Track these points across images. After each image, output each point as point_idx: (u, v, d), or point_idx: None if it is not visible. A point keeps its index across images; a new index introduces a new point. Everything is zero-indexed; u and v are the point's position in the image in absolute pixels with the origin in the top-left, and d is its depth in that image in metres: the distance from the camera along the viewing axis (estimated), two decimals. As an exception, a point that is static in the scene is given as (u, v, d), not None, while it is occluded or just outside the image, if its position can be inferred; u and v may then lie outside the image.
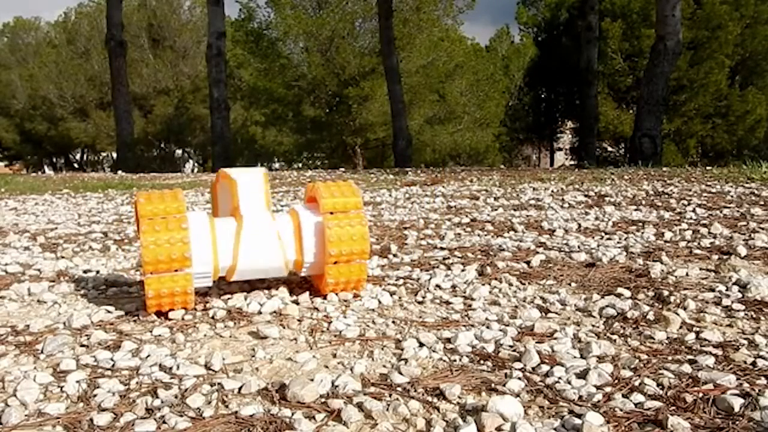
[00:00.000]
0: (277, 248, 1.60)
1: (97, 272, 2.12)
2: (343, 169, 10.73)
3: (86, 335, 1.42)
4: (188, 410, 1.02)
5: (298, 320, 1.52)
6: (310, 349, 1.31)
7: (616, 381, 1.09)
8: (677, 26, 8.18)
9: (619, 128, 16.95)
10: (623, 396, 1.03)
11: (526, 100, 22.19)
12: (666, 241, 2.37)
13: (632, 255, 2.14)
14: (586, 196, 4.03)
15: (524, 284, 1.80)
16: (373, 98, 16.68)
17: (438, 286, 1.80)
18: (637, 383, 1.07)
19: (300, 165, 20.91)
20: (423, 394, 1.06)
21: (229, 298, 1.69)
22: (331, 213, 1.62)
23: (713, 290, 1.65)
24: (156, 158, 21.99)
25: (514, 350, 1.26)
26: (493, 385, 1.09)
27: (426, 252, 2.35)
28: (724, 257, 2.02)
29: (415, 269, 2.04)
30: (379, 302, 1.65)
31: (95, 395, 1.08)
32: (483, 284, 1.79)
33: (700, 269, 1.90)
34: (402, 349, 1.28)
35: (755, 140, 17.18)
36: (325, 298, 1.69)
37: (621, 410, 0.98)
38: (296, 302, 1.66)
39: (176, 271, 1.47)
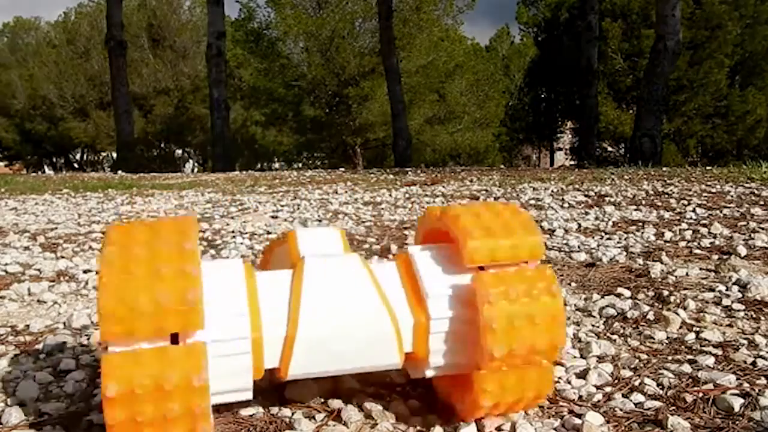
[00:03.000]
0: (381, 312, 0.84)
1: (97, 272, 2.12)
2: (343, 169, 10.73)
3: (86, 335, 1.42)
4: (188, 410, 1.02)
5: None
6: (310, 349, 1.30)
7: (616, 381, 1.09)
8: (677, 26, 8.18)
9: (619, 128, 16.94)
10: (623, 396, 1.03)
11: (526, 100, 22.19)
12: (666, 241, 2.37)
13: (632, 255, 2.14)
14: (586, 196, 4.03)
15: (524, 284, 1.80)
16: (373, 98, 16.67)
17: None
18: (637, 383, 1.07)
19: (300, 165, 20.91)
20: (423, 394, 1.06)
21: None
22: (484, 268, 0.86)
23: (713, 290, 1.65)
24: (156, 158, 21.99)
25: (514, 350, 1.26)
26: (493, 385, 1.08)
27: (426, 252, 2.34)
28: (724, 257, 2.02)
29: (415, 269, 2.04)
30: (379, 302, 1.65)
31: (95, 395, 1.08)
32: (483, 284, 1.78)
33: (700, 269, 1.90)
34: (402, 349, 1.27)
35: (755, 140, 17.17)
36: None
37: (621, 410, 0.98)
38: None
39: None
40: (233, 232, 2.95)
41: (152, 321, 0.73)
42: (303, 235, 0.98)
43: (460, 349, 0.87)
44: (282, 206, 4.03)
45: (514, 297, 0.82)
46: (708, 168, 6.53)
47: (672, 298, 1.56)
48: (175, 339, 0.75)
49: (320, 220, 3.30)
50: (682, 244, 2.31)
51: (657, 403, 1.00)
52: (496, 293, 0.82)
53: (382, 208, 3.79)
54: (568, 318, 1.48)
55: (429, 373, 0.89)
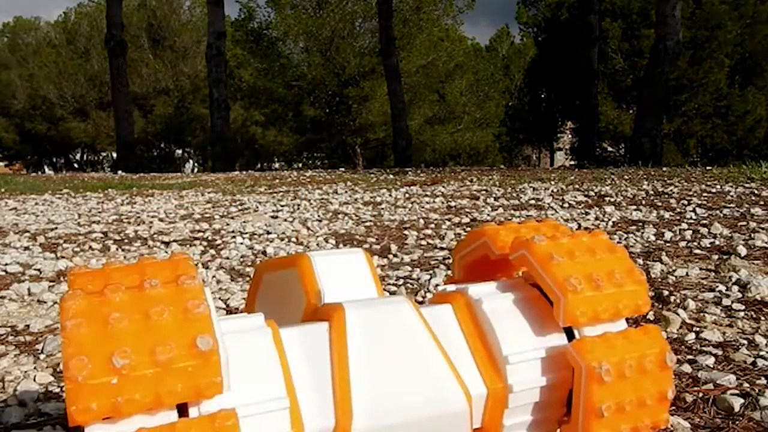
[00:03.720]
0: (453, 387, 0.61)
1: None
2: (343, 169, 10.74)
3: (86, 335, 1.41)
4: (188, 410, 1.02)
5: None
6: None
7: (616, 381, 1.09)
8: (677, 26, 8.19)
9: (619, 128, 16.95)
10: (623, 396, 1.03)
11: (526, 100, 22.20)
12: (666, 241, 2.37)
13: (632, 255, 2.14)
14: (586, 196, 4.03)
15: (524, 284, 1.79)
16: (373, 98, 16.68)
17: (438, 286, 1.80)
18: (637, 383, 1.07)
19: (300, 165, 20.93)
20: None
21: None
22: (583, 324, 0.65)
23: (713, 290, 1.65)
24: (156, 158, 22.01)
25: (514, 350, 1.26)
26: (493, 385, 1.08)
27: (426, 252, 2.35)
28: (724, 257, 2.02)
29: (415, 269, 2.04)
30: (379, 302, 1.65)
31: (95, 395, 1.08)
32: (483, 284, 1.78)
33: (700, 269, 1.90)
34: (402, 349, 1.27)
35: (755, 140, 17.17)
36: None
37: (621, 410, 0.98)
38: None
39: None
40: (233, 232, 2.95)
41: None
42: (322, 267, 0.71)
43: (540, 422, 0.67)
44: (282, 206, 4.03)
45: (629, 374, 0.63)
46: (708, 168, 6.54)
47: (672, 298, 1.56)
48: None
49: (320, 220, 3.30)
50: (682, 244, 2.31)
51: (657, 403, 1.00)
52: (608, 370, 0.61)
53: (382, 208, 3.79)
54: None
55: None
